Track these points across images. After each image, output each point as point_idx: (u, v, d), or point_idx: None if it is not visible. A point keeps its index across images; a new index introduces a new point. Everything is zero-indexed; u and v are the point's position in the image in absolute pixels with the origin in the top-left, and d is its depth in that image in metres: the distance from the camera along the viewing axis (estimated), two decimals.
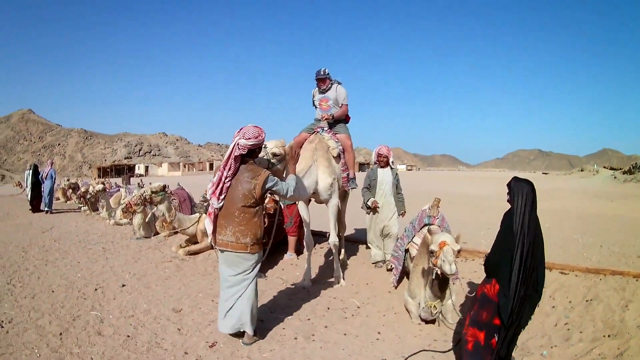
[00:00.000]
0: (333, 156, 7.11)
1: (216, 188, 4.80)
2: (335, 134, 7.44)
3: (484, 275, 4.51)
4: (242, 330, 4.98)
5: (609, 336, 4.92)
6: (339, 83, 7.61)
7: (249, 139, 4.75)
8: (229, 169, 4.78)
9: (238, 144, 4.76)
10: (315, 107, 7.75)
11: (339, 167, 7.25)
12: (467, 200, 23.12)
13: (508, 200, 4.40)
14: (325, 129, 7.41)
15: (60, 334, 5.02)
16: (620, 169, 54.83)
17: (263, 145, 5.04)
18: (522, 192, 4.27)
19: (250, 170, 4.82)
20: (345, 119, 7.74)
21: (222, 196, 4.79)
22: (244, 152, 4.80)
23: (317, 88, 7.68)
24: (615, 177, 45.36)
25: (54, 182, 16.62)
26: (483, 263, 4.64)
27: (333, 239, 7.08)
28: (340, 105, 7.55)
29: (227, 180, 4.78)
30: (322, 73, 7.44)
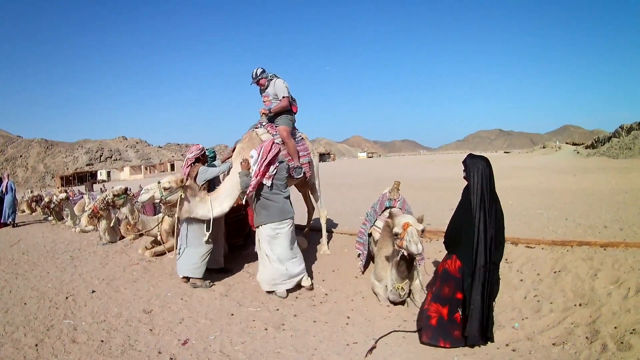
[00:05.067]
0: None
1: None
2: (276, 126, 7.47)
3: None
4: (194, 277, 6.85)
5: (580, 305, 5.04)
6: (276, 77, 7.58)
7: (192, 152, 7.33)
8: (185, 174, 7.04)
9: (188, 158, 7.31)
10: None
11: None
12: (429, 183, 23.31)
13: (465, 177, 4.48)
14: (264, 124, 7.47)
15: (36, 345, 4.95)
16: (583, 144, 55.83)
17: (158, 182, 6.47)
18: (477, 168, 4.37)
19: (192, 169, 7.17)
20: (291, 109, 7.73)
21: None
22: (193, 161, 7.26)
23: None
24: (577, 152, 46.19)
25: (15, 194, 16.30)
26: (443, 240, 4.73)
27: None
28: (280, 98, 7.52)
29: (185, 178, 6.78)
30: (254, 76, 7.57)
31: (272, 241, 6.35)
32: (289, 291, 6.43)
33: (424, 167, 46.75)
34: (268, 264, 6.34)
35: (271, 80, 7.54)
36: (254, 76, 7.50)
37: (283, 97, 7.48)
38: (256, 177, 6.26)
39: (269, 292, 6.42)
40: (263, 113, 7.47)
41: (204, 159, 7.47)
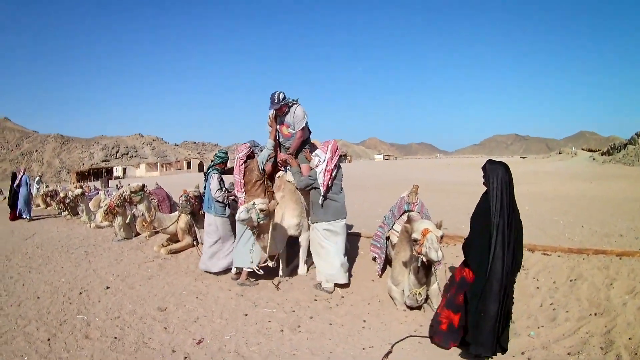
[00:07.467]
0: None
1: (239, 180, 7.22)
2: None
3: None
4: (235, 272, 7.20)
5: (595, 314, 4.97)
6: (296, 103, 7.25)
7: (242, 151, 7.17)
8: (240, 171, 7.18)
9: (239, 157, 7.17)
10: (277, 131, 7.52)
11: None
12: (446, 187, 23.12)
13: (484, 183, 4.44)
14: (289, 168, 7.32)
15: (48, 339, 4.97)
16: (599, 150, 55.37)
17: (252, 203, 6.26)
18: (497, 175, 4.32)
19: (248, 164, 7.23)
20: (308, 137, 7.60)
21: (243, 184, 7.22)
22: (244, 159, 7.15)
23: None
24: (593, 159, 45.76)
25: (30, 188, 16.35)
26: (462, 246, 4.69)
27: (302, 271, 7.44)
28: (295, 131, 7.31)
29: (241, 176, 7.20)
30: (276, 101, 7.03)
31: (326, 239, 6.62)
32: (338, 286, 6.66)
33: (440, 171, 46.57)
34: (324, 260, 6.62)
35: (291, 107, 7.22)
36: (275, 101, 7.00)
37: (299, 129, 7.27)
38: (326, 181, 6.45)
39: (319, 287, 6.62)
40: (283, 160, 7.39)
41: (253, 155, 7.40)
